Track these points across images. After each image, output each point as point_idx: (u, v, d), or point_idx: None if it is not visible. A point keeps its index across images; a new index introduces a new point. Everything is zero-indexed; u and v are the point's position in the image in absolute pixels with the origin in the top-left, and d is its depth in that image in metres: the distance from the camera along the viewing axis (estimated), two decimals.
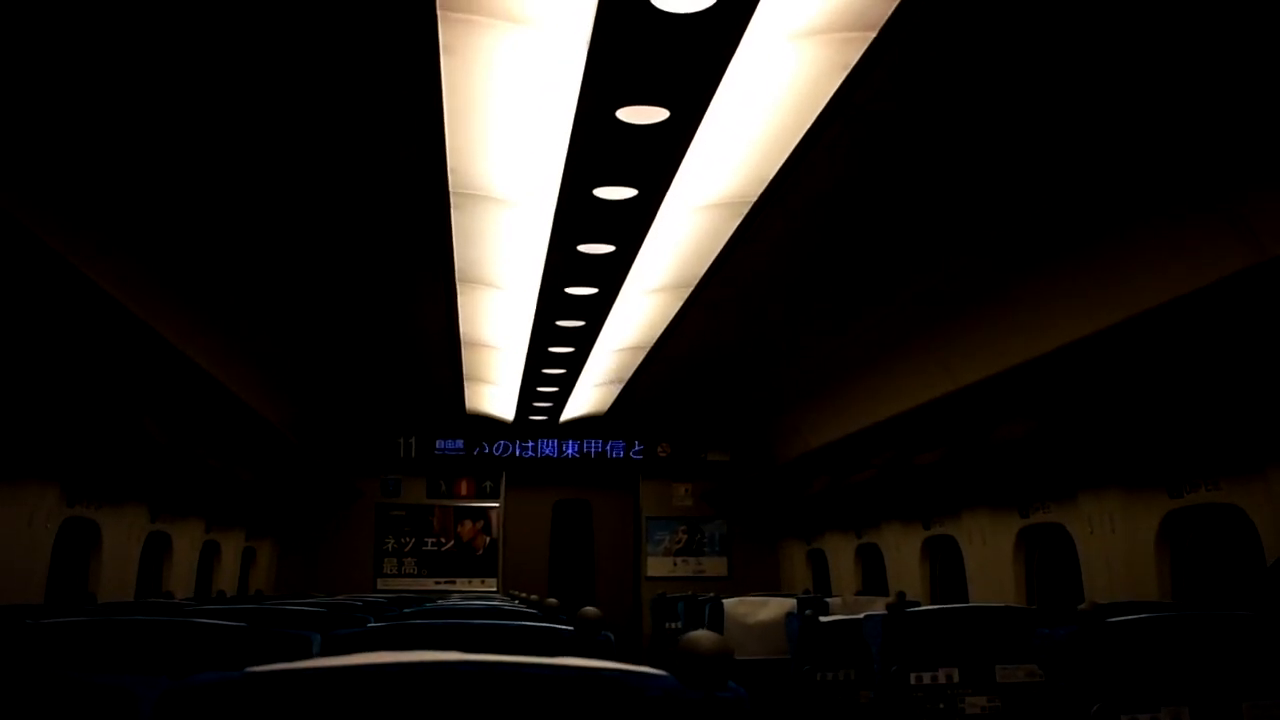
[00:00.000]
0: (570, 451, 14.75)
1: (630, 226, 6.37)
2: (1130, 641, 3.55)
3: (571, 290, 7.77)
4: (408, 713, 1.51)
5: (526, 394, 12.16)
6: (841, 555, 12.42)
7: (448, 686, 1.52)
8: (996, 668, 5.11)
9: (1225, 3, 3.92)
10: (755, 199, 5.97)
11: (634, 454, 14.82)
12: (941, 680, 5.09)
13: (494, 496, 14.74)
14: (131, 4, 4.02)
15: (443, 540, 14.56)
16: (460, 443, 14.61)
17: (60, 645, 3.12)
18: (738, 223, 6.36)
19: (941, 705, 5.06)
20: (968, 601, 8.91)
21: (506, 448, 14.66)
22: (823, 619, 6.31)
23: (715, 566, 14.78)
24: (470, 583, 14.43)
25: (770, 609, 7.85)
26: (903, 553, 10.61)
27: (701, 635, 1.65)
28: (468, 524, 14.64)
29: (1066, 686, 3.74)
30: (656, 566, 14.73)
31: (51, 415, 6.59)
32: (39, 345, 6.14)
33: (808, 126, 5.01)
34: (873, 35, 4.19)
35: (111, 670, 2.97)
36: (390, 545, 14.49)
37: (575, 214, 6.14)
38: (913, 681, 5.07)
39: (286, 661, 1.58)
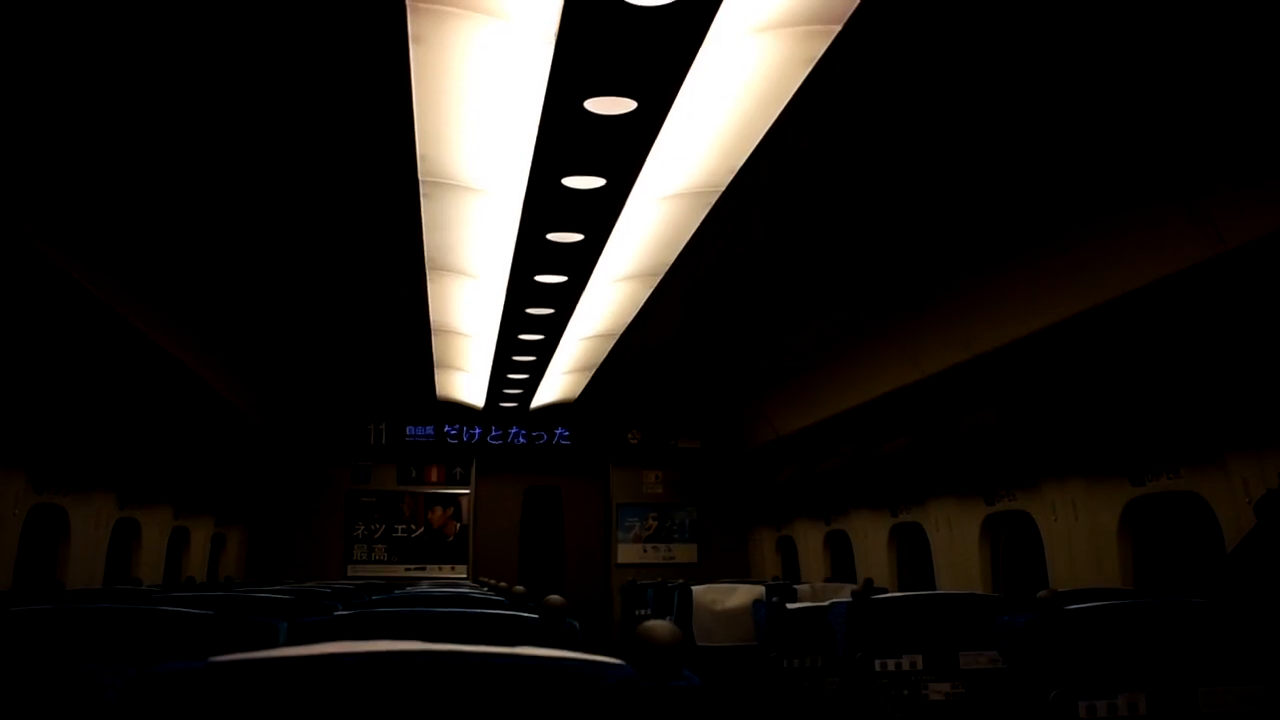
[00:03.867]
0: (541, 438, 14.77)
1: (599, 215, 6.39)
2: (1087, 629, 3.59)
3: (541, 278, 7.78)
4: (367, 701, 1.53)
5: (497, 381, 12.16)
6: (810, 542, 12.49)
7: (405, 675, 1.54)
8: (960, 654, 5.16)
9: (1185, 1, 3.98)
10: (723, 189, 5.99)
11: (604, 441, 14.86)
12: (905, 667, 5.14)
13: (464, 483, 14.74)
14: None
15: (413, 527, 14.56)
16: (431, 429, 14.61)
17: (26, 633, 3.13)
18: (706, 212, 6.39)
19: (905, 692, 5.12)
20: (935, 588, 8.99)
21: (477, 434, 14.66)
22: (789, 606, 6.36)
23: (685, 553, 14.81)
24: (440, 569, 14.42)
25: (739, 596, 7.91)
26: (870, 540, 10.68)
27: (657, 625, 1.68)
28: (438, 510, 14.64)
29: (1026, 673, 3.79)
30: (627, 553, 14.75)
31: (17, 402, 6.57)
32: (3, 332, 6.13)
33: (774, 118, 5.04)
34: (838, 29, 4.22)
35: (78, 658, 2.98)
36: (360, 531, 14.47)
37: (544, 203, 6.16)
38: (877, 668, 5.12)
39: (253, 649, 1.60)
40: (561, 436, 14.77)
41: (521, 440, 14.72)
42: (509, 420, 14.64)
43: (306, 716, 1.53)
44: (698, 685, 1.65)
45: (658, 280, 7.89)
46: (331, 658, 1.55)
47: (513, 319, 9.03)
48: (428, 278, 7.88)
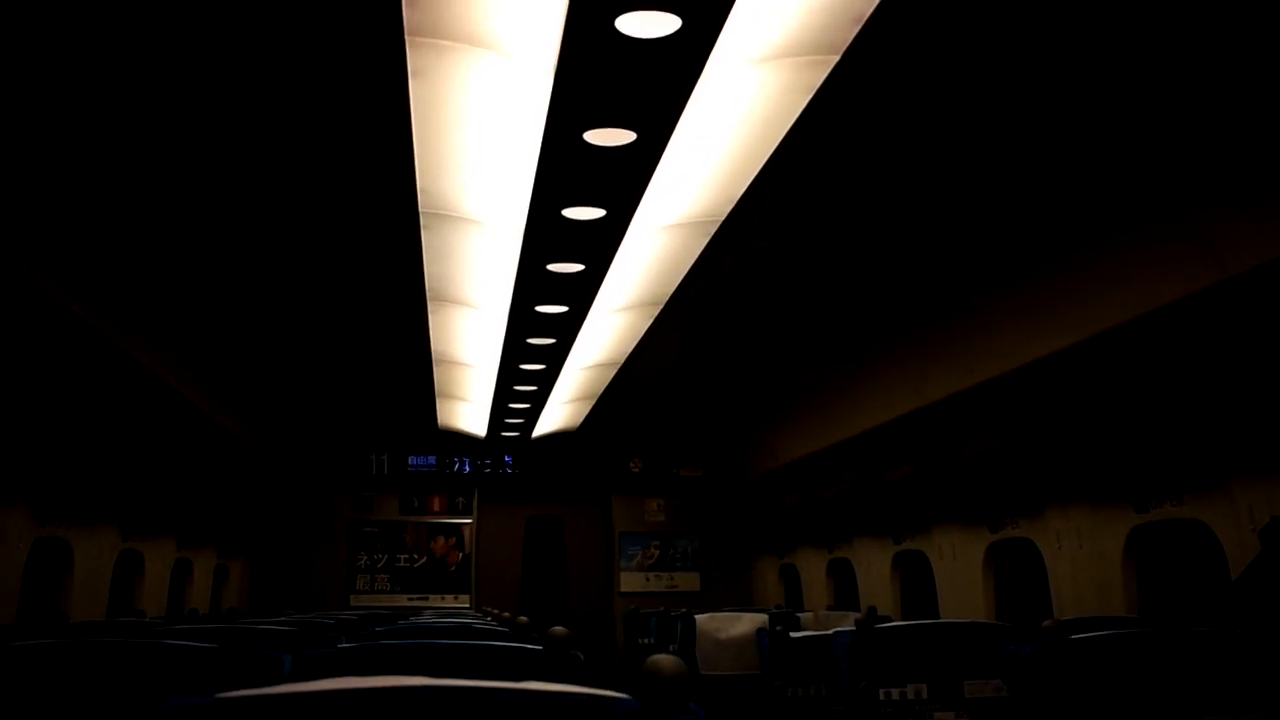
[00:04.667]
0: (543, 467, 14.74)
1: (599, 246, 6.40)
2: (1093, 658, 3.59)
3: (542, 308, 7.79)
4: None
5: (498, 410, 12.15)
6: (813, 570, 12.44)
7: (413, 712, 1.54)
8: (964, 683, 5.13)
9: (1186, 25, 3.99)
10: (723, 218, 6.00)
11: (606, 469, 14.83)
12: (910, 696, 5.11)
13: (467, 512, 14.70)
14: (98, 23, 4.04)
15: (415, 556, 14.51)
16: (433, 459, 14.59)
17: (29, 668, 3.12)
18: (706, 242, 6.40)
19: None
20: (939, 617, 8.95)
21: (479, 464, 14.64)
22: (793, 635, 6.33)
23: (688, 581, 14.77)
24: (443, 599, 14.37)
25: (742, 624, 7.86)
26: (874, 568, 10.64)
27: (662, 659, 1.67)
28: (440, 540, 14.59)
29: (1030, 703, 3.78)
30: (629, 582, 14.71)
31: (20, 436, 6.57)
32: (6, 366, 6.13)
33: (774, 147, 5.05)
34: (836, 59, 4.24)
35: (82, 693, 2.97)
36: (363, 562, 14.42)
37: (545, 234, 6.17)
38: (881, 697, 5.10)
39: (258, 683, 1.60)
40: (563, 465, 14.73)
41: (524, 469, 14.69)
42: (511, 449, 14.64)
43: None
44: (703, 719, 1.65)
45: (659, 309, 7.90)
46: (340, 694, 1.54)
47: (514, 349, 9.03)
48: (429, 309, 7.90)
